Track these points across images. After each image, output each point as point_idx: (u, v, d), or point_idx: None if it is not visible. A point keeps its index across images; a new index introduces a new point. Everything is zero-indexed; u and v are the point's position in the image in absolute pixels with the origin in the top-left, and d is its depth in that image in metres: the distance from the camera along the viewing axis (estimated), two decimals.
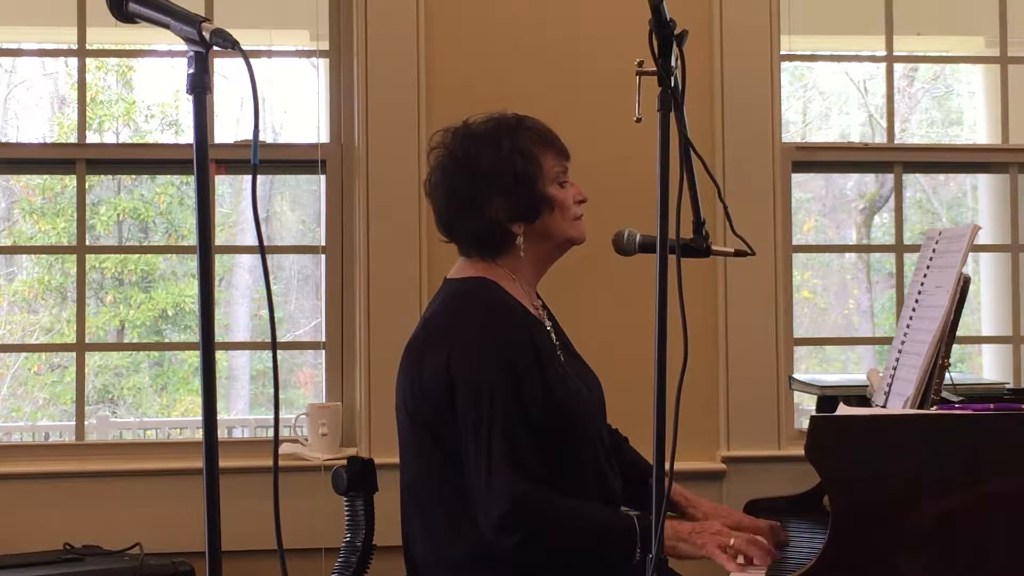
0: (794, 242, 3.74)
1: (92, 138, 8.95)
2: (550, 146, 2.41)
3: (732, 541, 2.23)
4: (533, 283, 2.47)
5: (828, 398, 2.98)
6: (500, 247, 2.39)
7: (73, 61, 5.13)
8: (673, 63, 1.77)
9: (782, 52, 3.68)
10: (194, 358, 9.31)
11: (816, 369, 8.97)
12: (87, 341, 3.63)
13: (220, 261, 8.81)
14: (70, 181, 7.57)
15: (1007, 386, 2.96)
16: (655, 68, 1.76)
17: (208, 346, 1.63)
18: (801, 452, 2.14)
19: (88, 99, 5.57)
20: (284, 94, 9.20)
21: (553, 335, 2.47)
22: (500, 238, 2.38)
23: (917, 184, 9.76)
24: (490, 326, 2.30)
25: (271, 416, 1.84)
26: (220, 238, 8.62)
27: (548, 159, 2.39)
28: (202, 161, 1.63)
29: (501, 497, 2.18)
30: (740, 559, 2.21)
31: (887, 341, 3.09)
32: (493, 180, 2.34)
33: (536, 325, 2.39)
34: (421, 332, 2.39)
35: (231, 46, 1.62)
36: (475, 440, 2.22)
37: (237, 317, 9.99)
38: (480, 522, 2.22)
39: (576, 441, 2.35)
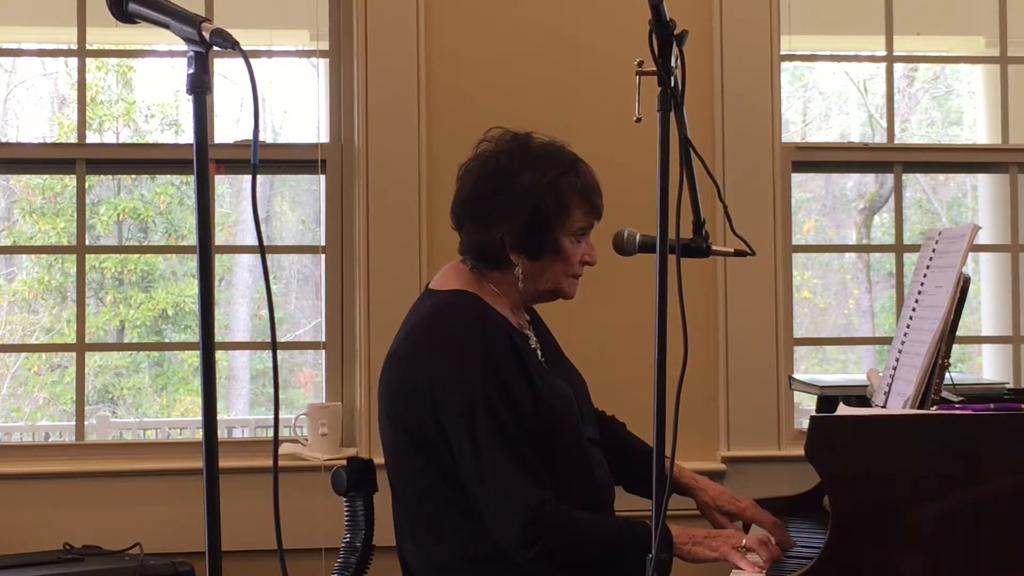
0: (794, 242, 3.74)
1: (92, 138, 8.95)
2: (586, 201, 2.38)
3: (745, 541, 2.26)
4: (518, 305, 2.46)
5: (828, 398, 2.98)
6: (494, 266, 2.39)
7: (73, 61, 5.12)
8: (673, 63, 1.77)
9: (782, 52, 3.68)
10: (194, 358, 9.31)
11: (816, 369, 8.98)
12: (87, 341, 3.63)
13: (220, 261, 8.81)
14: (70, 181, 7.58)
15: (1007, 386, 2.96)
16: (655, 68, 1.76)
17: (208, 346, 1.63)
18: (801, 452, 2.14)
19: (88, 99, 5.57)
20: (284, 94, 9.21)
21: (539, 351, 2.46)
22: (496, 259, 2.37)
23: (917, 184, 9.77)
24: (473, 338, 2.28)
25: (271, 416, 1.84)
26: (220, 238, 8.63)
27: (577, 212, 2.37)
28: (202, 161, 1.63)
29: (519, 509, 2.19)
30: (758, 559, 2.22)
31: (887, 341, 3.09)
32: (515, 205, 2.33)
33: (519, 336, 2.38)
34: (403, 343, 2.38)
35: (231, 46, 1.62)
36: (474, 454, 2.22)
37: (237, 317, 10.00)
38: (498, 536, 2.23)
39: (563, 442, 2.34)
